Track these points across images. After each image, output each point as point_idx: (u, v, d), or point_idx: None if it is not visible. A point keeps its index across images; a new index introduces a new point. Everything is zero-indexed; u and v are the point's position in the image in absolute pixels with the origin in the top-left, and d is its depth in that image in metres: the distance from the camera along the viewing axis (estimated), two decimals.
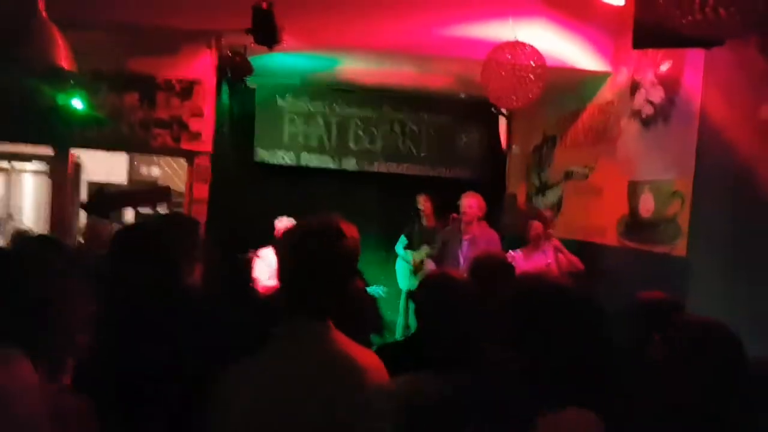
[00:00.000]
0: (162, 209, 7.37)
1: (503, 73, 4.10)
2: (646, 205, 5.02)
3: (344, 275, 1.70)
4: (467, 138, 7.41)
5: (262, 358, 1.63)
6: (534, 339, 1.39)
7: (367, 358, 1.69)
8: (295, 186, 6.90)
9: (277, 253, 1.76)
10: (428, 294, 2.56)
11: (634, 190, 5.18)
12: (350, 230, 1.71)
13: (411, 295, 6.22)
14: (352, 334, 1.85)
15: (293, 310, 1.66)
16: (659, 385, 1.59)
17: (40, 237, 3.10)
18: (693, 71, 4.61)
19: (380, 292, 6.18)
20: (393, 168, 7.26)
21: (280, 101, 6.94)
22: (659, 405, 1.59)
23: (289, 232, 1.76)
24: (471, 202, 5.65)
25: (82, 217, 8.02)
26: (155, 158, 10.62)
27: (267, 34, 4.71)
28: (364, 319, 2.34)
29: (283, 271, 1.70)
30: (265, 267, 5.63)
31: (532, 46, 4.37)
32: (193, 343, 2.15)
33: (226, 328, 2.54)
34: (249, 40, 4.77)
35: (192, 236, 2.76)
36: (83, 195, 8.70)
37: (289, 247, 1.69)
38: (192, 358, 2.10)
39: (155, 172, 11.22)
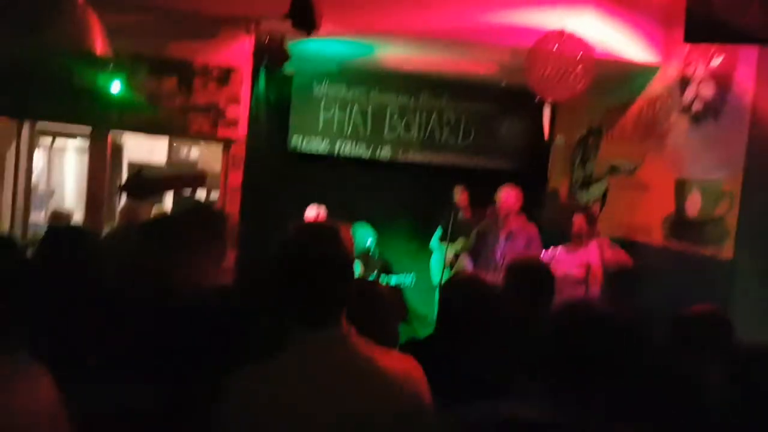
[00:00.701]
0: (199, 193, 7.40)
1: (549, 63, 3.95)
2: (694, 204, 4.84)
3: (346, 275, 1.62)
4: (508, 128, 7.23)
5: (278, 366, 1.56)
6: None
7: (398, 364, 1.62)
8: (329, 174, 6.82)
9: (274, 261, 1.68)
10: (451, 299, 2.47)
11: (681, 188, 5.00)
12: (344, 230, 1.65)
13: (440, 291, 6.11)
14: (377, 330, 1.79)
15: (302, 318, 1.59)
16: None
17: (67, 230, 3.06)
18: (746, 67, 4.45)
19: (407, 282, 6.11)
20: (429, 157, 7.12)
21: (316, 88, 6.85)
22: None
23: (284, 240, 1.68)
24: (508, 195, 5.50)
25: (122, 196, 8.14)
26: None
27: (305, 20, 4.63)
28: (387, 312, 2.25)
29: (283, 280, 1.61)
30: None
31: (580, 36, 4.21)
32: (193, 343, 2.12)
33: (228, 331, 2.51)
34: (287, 26, 4.69)
35: (216, 229, 2.72)
36: (124, 174, 8.82)
37: (283, 256, 1.61)
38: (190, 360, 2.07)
39: (194, 154, 11.29)
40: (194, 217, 2.63)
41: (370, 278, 5.31)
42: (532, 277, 2.86)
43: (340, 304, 1.60)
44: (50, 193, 9.58)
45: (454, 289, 2.51)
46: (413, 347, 2.14)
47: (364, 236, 5.88)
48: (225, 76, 5.14)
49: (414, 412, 1.58)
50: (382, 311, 2.17)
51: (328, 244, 1.59)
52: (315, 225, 1.69)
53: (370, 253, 5.93)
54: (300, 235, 1.65)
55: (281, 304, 1.63)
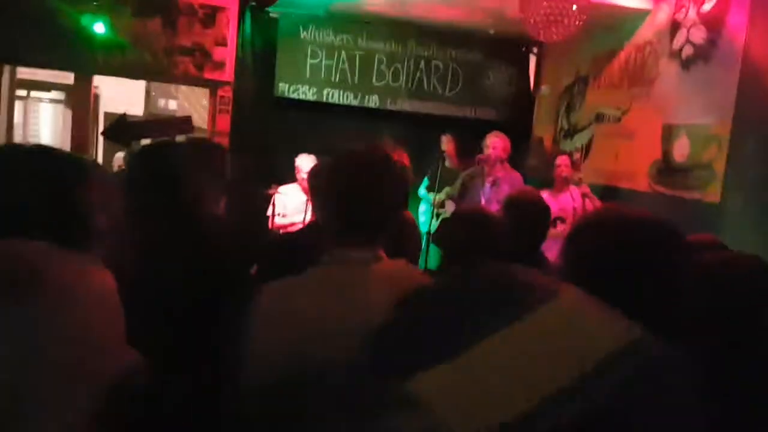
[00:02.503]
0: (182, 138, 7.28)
1: (544, 3, 3.91)
2: (681, 149, 4.88)
3: (399, 202, 1.62)
4: (495, 77, 7.20)
5: (305, 281, 1.55)
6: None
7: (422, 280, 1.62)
8: (316, 121, 6.75)
9: (325, 182, 1.66)
10: (460, 229, 2.48)
11: (669, 133, 5.03)
12: (402, 156, 1.64)
13: (433, 235, 6.15)
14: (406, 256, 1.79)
15: (342, 238, 1.58)
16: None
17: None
18: (738, 11, 4.43)
19: None
20: (417, 106, 7.07)
21: (303, 33, 6.72)
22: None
23: (341, 159, 1.66)
24: (495, 143, 5.50)
25: (100, 146, 7.99)
26: (173, 90, 10.52)
27: None
28: (411, 243, 2.27)
29: (332, 199, 1.61)
30: (287, 203, 5.58)
31: None
32: (211, 265, 2.09)
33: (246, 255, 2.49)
34: None
35: (217, 162, 2.68)
36: (101, 126, 8.65)
37: (346, 173, 1.59)
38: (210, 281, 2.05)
39: (172, 105, 11.12)
40: (197, 148, 2.58)
41: None
42: (532, 208, 2.88)
43: (383, 228, 1.61)
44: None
45: (462, 219, 2.52)
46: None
47: None
48: (211, 16, 5.03)
49: None
50: (413, 245, 2.19)
51: (386, 168, 1.58)
52: (374, 149, 1.66)
53: None
54: (357, 158, 1.62)
55: (324, 224, 1.62)
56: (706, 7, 4.74)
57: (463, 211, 2.73)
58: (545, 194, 5.32)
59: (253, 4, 5.35)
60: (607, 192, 5.51)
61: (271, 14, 6.13)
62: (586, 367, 0.69)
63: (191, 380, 1.84)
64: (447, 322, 0.82)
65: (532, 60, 7.27)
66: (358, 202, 1.55)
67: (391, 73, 6.97)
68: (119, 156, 6.00)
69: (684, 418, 0.74)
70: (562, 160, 5.50)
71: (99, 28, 4.74)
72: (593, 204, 5.30)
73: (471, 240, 2.34)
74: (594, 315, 0.82)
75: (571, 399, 0.66)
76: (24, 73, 7.44)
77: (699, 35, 4.80)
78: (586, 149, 6.28)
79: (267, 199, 5.54)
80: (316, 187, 2.58)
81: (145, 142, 7.73)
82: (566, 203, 5.33)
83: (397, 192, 1.63)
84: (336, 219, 1.60)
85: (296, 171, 5.65)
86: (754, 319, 1.48)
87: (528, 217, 2.85)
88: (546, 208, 2.97)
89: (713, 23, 4.66)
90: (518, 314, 0.77)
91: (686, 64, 4.92)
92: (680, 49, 4.99)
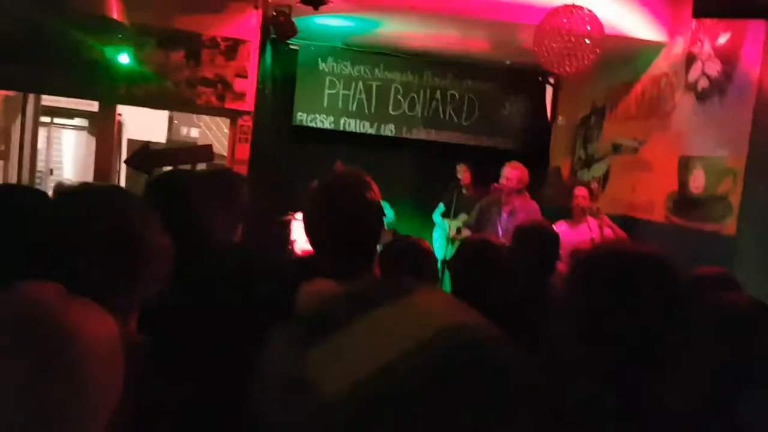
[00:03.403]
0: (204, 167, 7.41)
1: (558, 38, 3.97)
2: (697, 181, 4.89)
3: (373, 229, 1.65)
4: (511, 107, 7.27)
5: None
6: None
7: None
8: (333, 150, 6.85)
9: (308, 213, 1.68)
10: (466, 259, 2.52)
11: (685, 165, 5.04)
12: (369, 181, 1.66)
13: (447, 263, 6.18)
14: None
15: (333, 268, 1.61)
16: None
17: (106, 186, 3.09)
18: (753, 45, 4.45)
19: None
20: (433, 135, 7.16)
21: (321, 64, 6.87)
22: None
23: (316, 190, 1.69)
24: (512, 173, 5.52)
25: (123, 173, 8.14)
26: (195, 119, 10.70)
27: None
28: (432, 273, 2.32)
29: (317, 230, 1.64)
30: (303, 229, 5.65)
31: (589, 11, 4.24)
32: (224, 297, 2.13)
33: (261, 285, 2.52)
34: (294, 0, 4.70)
35: (235, 190, 2.73)
36: (124, 153, 8.82)
37: (321, 204, 1.63)
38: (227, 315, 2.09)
39: (194, 133, 11.30)
40: (216, 177, 2.64)
41: None
42: (541, 238, 2.92)
43: (371, 253, 1.63)
44: (49, 172, 9.58)
45: (469, 250, 2.56)
46: None
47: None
48: (233, 49, 5.15)
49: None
50: (428, 267, 2.23)
51: (361, 190, 1.60)
52: (348, 174, 1.69)
53: (387, 228, 6.00)
54: (335, 183, 1.66)
55: (315, 255, 1.65)
56: (721, 40, 4.77)
57: (471, 241, 2.76)
58: (563, 225, 5.36)
59: (274, 36, 5.48)
60: (624, 223, 5.51)
61: (290, 46, 6.27)
62: (418, 341, 0.87)
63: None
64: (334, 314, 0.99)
65: (549, 90, 7.33)
66: (337, 231, 1.58)
67: (407, 102, 7.07)
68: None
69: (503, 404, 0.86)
70: (580, 191, 5.48)
71: (123, 59, 4.87)
72: (615, 234, 5.29)
73: (477, 269, 2.38)
74: (440, 307, 0.98)
75: (409, 362, 0.84)
76: (48, 99, 7.61)
77: (714, 68, 4.83)
78: (604, 180, 6.29)
79: (285, 226, 5.61)
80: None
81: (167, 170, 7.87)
82: (584, 234, 5.32)
83: (374, 216, 1.64)
84: (326, 251, 1.63)
85: None
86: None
87: (537, 247, 2.88)
88: (555, 238, 3.00)
89: (728, 57, 4.69)
90: (376, 305, 0.95)
91: (702, 97, 4.95)
92: (696, 82, 5.02)
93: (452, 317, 0.94)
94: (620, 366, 1.24)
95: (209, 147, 5.32)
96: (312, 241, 1.67)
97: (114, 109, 5.38)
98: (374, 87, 7.02)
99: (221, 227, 2.38)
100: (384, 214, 1.71)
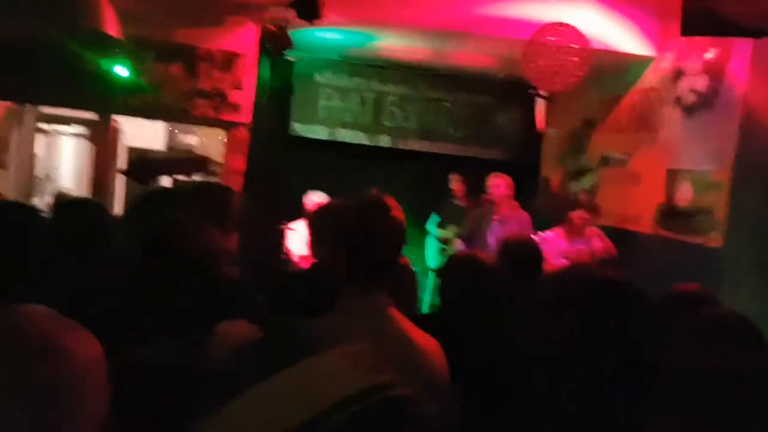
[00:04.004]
0: (199, 178, 7.48)
1: (546, 55, 4.06)
2: (684, 194, 4.97)
3: (398, 248, 1.72)
4: (503, 119, 7.37)
5: (321, 330, 1.65)
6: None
7: (426, 341, 1.72)
8: (329, 161, 6.95)
9: (327, 228, 1.76)
10: (453, 275, 2.59)
11: (672, 178, 5.13)
12: (396, 205, 1.74)
13: (437, 276, 6.25)
14: (402, 308, 1.89)
15: (352, 286, 1.68)
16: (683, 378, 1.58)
17: (86, 201, 3.18)
18: (739, 60, 4.54)
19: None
20: (427, 146, 7.25)
21: (317, 76, 6.96)
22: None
23: (344, 208, 1.78)
24: (498, 182, 5.64)
25: (120, 181, 8.20)
26: (193, 127, 10.75)
27: (309, 9, 4.73)
28: (408, 292, 2.38)
29: (340, 247, 1.71)
30: (298, 239, 5.71)
31: (576, 28, 4.33)
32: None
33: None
34: (291, 14, 4.79)
35: (226, 205, 2.80)
36: (122, 160, 8.88)
37: (349, 222, 1.71)
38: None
39: (192, 140, 11.35)
40: (206, 191, 2.71)
41: None
42: (524, 253, 3.00)
43: (389, 274, 1.71)
44: (47, 179, 9.62)
45: (456, 269, 2.63)
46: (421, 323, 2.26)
47: None
48: (229, 62, 5.23)
49: (440, 386, 1.69)
50: (410, 290, 2.29)
51: (389, 216, 1.68)
52: (377, 197, 1.77)
53: None
54: (365, 206, 1.73)
55: (336, 270, 1.72)
56: (709, 56, 4.86)
57: (460, 258, 2.84)
58: (550, 234, 5.43)
59: (270, 49, 5.56)
60: (612, 234, 5.59)
61: (287, 58, 6.36)
62: (324, 405, 0.85)
63: None
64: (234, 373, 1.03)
65: (540, 102, 7.42)
66: (367, 249, 1.66)
67: (402, 114, 7.16)
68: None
69: None
70: (578, 214, 5.42)
71: (121, 70, 4.94)
72: (605, 245, 5.37)
73: (466, 287, 2.46)
74: (345, 364, 0.98)
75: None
76: (46, 107, 7.65)
77: (702, 83, 4.92)
78: (593, 191, 6.38)
79: (280, 235, 5.67)
80: (320, 231, 2.69)
81: (165, 180, 7.96)
82: (575, 246, 5.40)
83: (398, 237, 1.72)
84: (349, 265, 1.69)
85: (305, 207, 5.81)
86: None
87: (519, 260, 2.96)
88: (538, 253, 3.08)
89: (715, 72, 4.78)
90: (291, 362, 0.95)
91: (689, 111, 5.04)
92: (683, 96, 5.11)
93: (362, 379, 0.92)
94: (589, 394, 1.28)
95: (205, 158, 5.40)
96: (333, 251, 1.74)
97: (110, 119, 5.45)
98: (370, 99, 7.11)
99: (211, 242, 2.45)
100: (404, 241, 1.79)
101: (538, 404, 1.34)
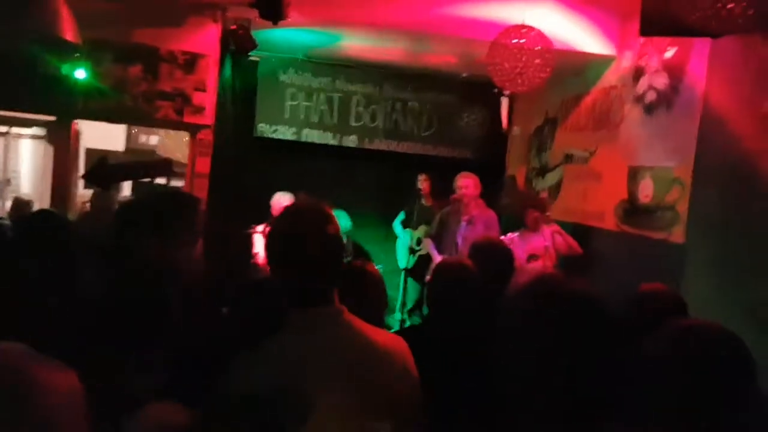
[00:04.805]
0: (163, 182, 7.37)
1: (510, 57, 4.10)
2: (646, 190, 5.06)
3: (335, 255, 1.70)
4: (468, 118, 7.41)
5: (277, 344, 1.64)
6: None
7: (388, 340, 1.72)
8: (295, 161, 6.91)
9: (269, 248, 1.72)
10: (445, 285, 2.60)
11: (634, 175, 5.21)
12: (327, 209, 1.72)
13: (409, 272, 6.27)
14: (368, 314, 1.89)
15: (302, 297, 1.67)
16: (654, 386, 1.59)
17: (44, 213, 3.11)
18: (698, 59, 4.61)
19: (379, 270, 6.24)
20: (393, 146, 7.26)
21: (282, 76, 6.91)
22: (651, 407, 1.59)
23: (276, 225, 1.74)
24: (466, 182, 5.68)
25: (81, 184, 8.05)
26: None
27: (272, 9, 4.68)
28: (375, 297, 2.38)
29: (279, 261, 1.68)
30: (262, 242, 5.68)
31: (539, 30, 4.37)
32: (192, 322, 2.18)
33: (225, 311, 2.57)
34: (254, 14, 4.74)
35: (192, 213, 2.78)
36: (82, 161, 8.71)
37: (283, 236, 1.68)
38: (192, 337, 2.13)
39: (153, 140, 11.19)
40: (169, 202, 2.67)
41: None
42: (497, 255, 3.03)
43: (334, 282, 1.68)
44: (6, 182, 9.40)
45: (447, 276, 2.64)
46: (411, 333, 2.27)
47: (342, 222, 6.01)
48: (191, 63, 5.16)
49: (405, 385, 1.69)
50: (373, 295, 2.29)
51: (323, 224, 1.65)
52: (308, 206, 1.75)
53: (345, 240, 6.06)
54: (295, 216, 1.71)
55: (278, 284, 1.71)
56: (668, 54, 4.94)
57: (447, 264, 2.83)
58: (516, 236, 5.52)
59: (233, 49, 5.50)
60: (576, 231, 5.68)
61: (251, 58, 6.30)
62: None
63: None
64: None
65: (505, 101, 7.49)
66: (301, 266, 1.63)
67: (368, 114, 7.15)
68: (84, 193, 6.02)
69: None
70: (531, 211, 5.58)
71: (80, 73, 4.84)
72: (565, 241, 5.47)
73: (453, 293, 2.47)
74: None
75: None
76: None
77: (661, 81, 5.00)
78: (556, 189, 6.46)
79: (247, 239, 5.62)
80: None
81: (126, 184, 7.81)
82: (537, 244, 5.49)
83: (332, 245, 1.69)
84: (290, 281, 1.67)
85: (272, 210, 5.77)
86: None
87: (493, 264, 2.99)
88: (509, 254, 3.11)
89: (675, 70, 4.86)
90: None
91: (649, 109, 5.12)
92: (644, 95, 5.20)
93: None
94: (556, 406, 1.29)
95: (168, 161, 5.32)
96: (274, 268, 1.72)
97: (70, 123, 5.33)
98: (336, 98, 7.08)
99: (174, 251, 2.42)
100: (343, 247, 1.77)
101: (516, 414, 1.36)
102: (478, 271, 2.93)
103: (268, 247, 1.69)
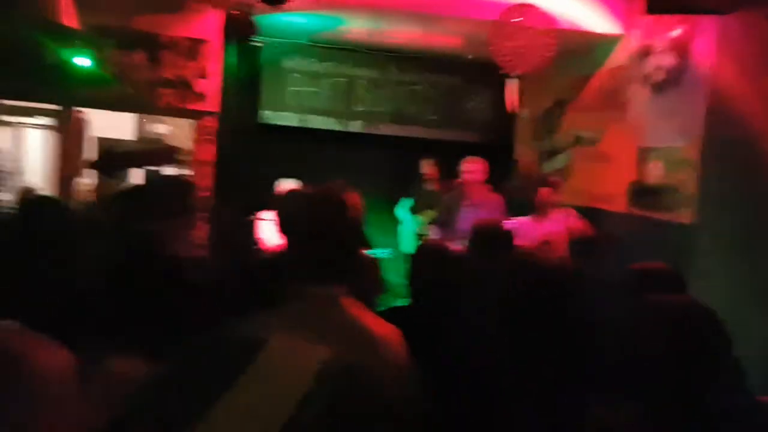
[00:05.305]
0: (169, 169, 7.38)
1: (512, 36, 4.03)
2: (655, 171, 4.99)
3: (355, 241, 1.70)
4: (475, 101, 7.33)
5: (274, 320, 1.62)
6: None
7: (382, 327, 1.70)
8: (300, 147, 6.87)
9: (284, 216, 1.75)
10: (419, 266, 2.58)
11: (643, 156, 5.14)
12: (355, 198, 1.73)
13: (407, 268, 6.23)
14: (358, 297, 1.87)
15: (305, 275, 1.66)
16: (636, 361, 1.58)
17: (45, 199, 3.11)
18: (705, 37, 4.55)
19: (386, 255, 6.21)
20: (399, 131, 7.19)
21: (286, 62, 6.86)
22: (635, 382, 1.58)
23: (299, 197, 1.76)
24: (472, 167, 5.62)
25: (89, 173, 8.07)
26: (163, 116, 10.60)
27: None
28: (369, 282, 2.36)
29: (293, 236, 1.70)
30: (270, 229, 5.66)
31: (541, 9, 4.29)
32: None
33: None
34: None
35: (186, 198, 2.76)
36: (90, 151, 8.73)
37: (301, 212, 1.69)
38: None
39: (162, 129, 11.19)
40: (159, 187, 2.66)
41: None
42: (493, 236, 2.99)
43: (345, 267, 1.68)
44: (14, 173, 9.44)
45: (424, 257, 2.61)
46: (391, 315, 2.24)
47: None
48: (194, 49, 5.13)
49: (398, 370, 1.67)
50: (367, 280, 2.27)
51: (341, 208, 1.67)
52: (333, 189, 1.75)
53: None
54: (321, 197, 1.70)
55: (292, 261, 1.70)
56: (675, 33, 4.86)
57: (427, 247, 2.80)
58: (527, 220, 5.45)
59: (236, 35, 5.46)
60: (586, 214, 5.60)
61: (254, 44, 6.25)
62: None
63: None
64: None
65: (512, 83, 7.39)
66: (317, 240, 1.63)
67: (373, 98, 7.09)
68: (82, 181, 6.02)
69: None
70: (543, 190, 5.52)
71: (82, 61, 4.83)
72: (580, 225, 5.39)
73: (433, 276, 2.44)
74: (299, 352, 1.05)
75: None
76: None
77: (669, 60, 4.92)
78: (566, 171, 6.39)
79: (251, 226, 5.62)
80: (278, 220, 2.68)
81: (134, 172, 7.83)
82: (548, 229, 5.41)
83: (352, 230, 1.70)
84: (300, 255, 1.67)
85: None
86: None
87: (491, 247, 2.95)
88: (508, 237, 3.07)
89: (682, 49, 4.78)
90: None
91: (657, 89, 5.05)
92: (651, 74, 5.11)
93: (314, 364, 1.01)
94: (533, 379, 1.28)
95: (173, 148, 5.31)
96: (290, 244, 1.72)
97: (74, 110, 5.33)
98: (340, 83, 7.03)
99: (171, 237, 2.41)
100: (361, 236, 1.77)
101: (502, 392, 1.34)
102: (476, 252, 2.90)
103: (285, 217, 1.69)
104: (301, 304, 1.63)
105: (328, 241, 1.65)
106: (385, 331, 1.72)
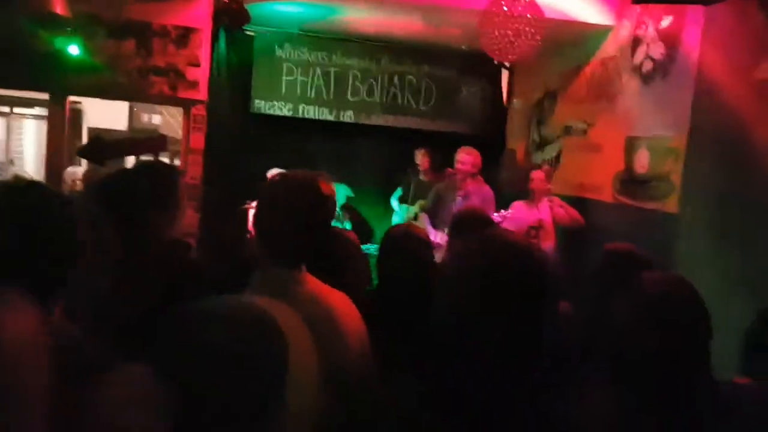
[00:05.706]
0: (160, 158, 7.38)
1: (500, 24, 4.05)
2: (642, 161, 5.02)
3: (315, 226, 1.74)
4: (468, 92, 7.35)
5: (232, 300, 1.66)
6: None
7: (340, 302, 1.74)
8: (292, 137, 6.89)
9: (258, 202, 1.81)
10: (389, 249, 2.60)
11: (631, 146, 5.17)
12: (326, 187, 1.75)
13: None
14: (346, 289, 1.91)
15: (267, 260, 1.71)
16: (620, 343, 1.60)
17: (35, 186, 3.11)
18: (693, 27, 4.56)
19: (372, 251, 6.25)
20: (391, 121, 7.21)
21: (278, 50, 6.87)
22: (619, 363, 1.61)
23: (270, 184, 1.81)
24: (465, 158, 5.64)
25: (84, 163, 8.08)
26: (156, 106, 10.61)
27: None
28: (355, 273, 2.39)
29: (260, 221, 1.75)
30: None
31: None
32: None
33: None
34: None
35: (168, 185, 2.77)
36: (84, 141, 8.73)
37: (268, 199, 1.74)
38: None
39: (156, 119, 11.20)
40: (144, 174, 2.67)
41: None
42: (475, 225, 3.01)
43: (310, 248, 1.75)
44: (9, 163, 9.45)
45: (393, 241, 2.63)
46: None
47: (342, 192, 6.11)
48: (184, 37, 5.14)
49: (356, 343, 1.73)
50: (356, 272, 2.30)
51: (311, 191, 1.73)
52: (304, 176, 1.79)
53: (347, 203, 6.15)
54: (291, 184, 1.76)
55: (261, 244, 1.75)
56: (664, 23, 4.88)
57: (395, 232, 2.79)
58: (521, 205, 5.52)
59: (227, 23, 5.47)
60: (575, 203, 5.65)
61: (246, 33, 6.27)
62: None
63: None
64: None
65: (505, 75, 7.43)
66: (278, 225, 1.69)
67: (365, 88, 7.10)
68: (71, 171, 6.03)
69: None
70: (537, 175, 5.64)
71: (73, 49, 4.84)
72: (567, 213, 5.45)
73: (401, 261, 2.47)
74: None
75: None
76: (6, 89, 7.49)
77: (657, 51, 4.95)
78: (556, 161, 6.43)
79: (242, 215, 5.64)
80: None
81: (122, 160, 7.83)
82: (541, 214, 5.50)
83: (318, 218, 1.74)
84: (263, 242, 1.73)
85: None
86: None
87: (471, 233, 2.97)
88: (489, 223, 3.09)
89: (670, 39, 4.80)
90: None
91: (646, 79, 5.07)
92: (640, 64, 5.14)
93: None
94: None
95: (164, 137, 5.32)
96: (259, 234, 1.77)
97: (64, 101, 5.34)
98: (332, 73, 7.04)
99: (158, 224, 2.42)
100: (333, 216, 1.82)
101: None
102: (458, 242, 2.91)
103: (257, 207, 1.74)
104: (263, 287, 1.68)
105: (286, 222, 1.70)
106: (345, 304, 1.78)
